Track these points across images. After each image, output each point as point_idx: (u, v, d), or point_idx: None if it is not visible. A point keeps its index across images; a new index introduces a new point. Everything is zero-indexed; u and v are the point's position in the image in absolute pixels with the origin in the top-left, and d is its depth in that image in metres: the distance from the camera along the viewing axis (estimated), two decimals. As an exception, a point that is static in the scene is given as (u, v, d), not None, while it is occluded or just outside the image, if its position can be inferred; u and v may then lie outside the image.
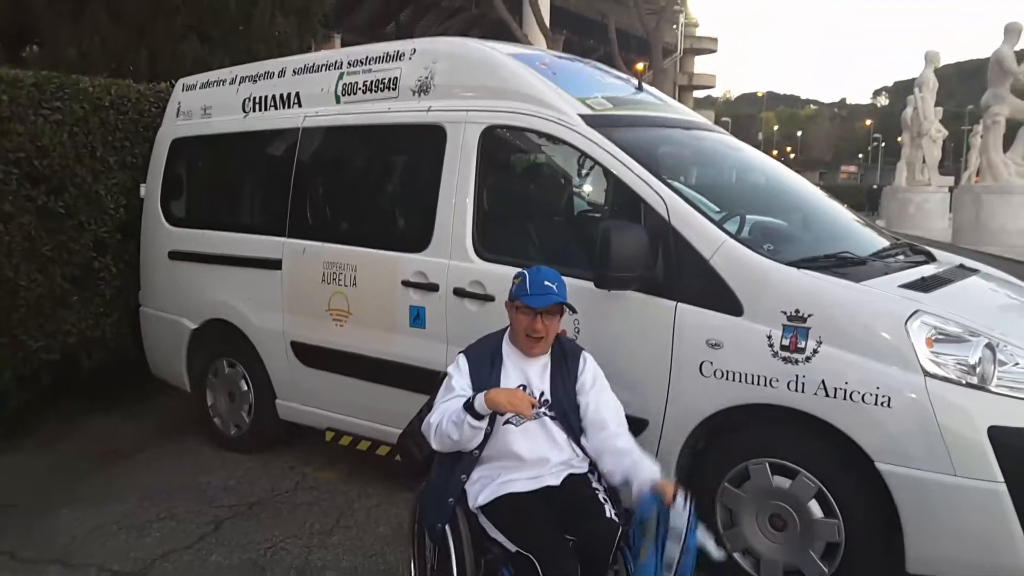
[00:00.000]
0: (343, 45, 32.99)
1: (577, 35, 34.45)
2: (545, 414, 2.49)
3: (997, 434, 2.49)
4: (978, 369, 2.58)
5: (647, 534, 2.19)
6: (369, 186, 4.14)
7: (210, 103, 4.81)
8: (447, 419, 2.37)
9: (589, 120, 3.35)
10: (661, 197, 3.05)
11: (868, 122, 79.79)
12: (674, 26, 37.78)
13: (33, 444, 4.79)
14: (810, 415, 2.73)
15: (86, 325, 5.01)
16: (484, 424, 2.33)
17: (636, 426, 3.09)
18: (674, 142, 3.74)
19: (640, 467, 2.38)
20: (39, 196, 4.61)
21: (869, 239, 3.68)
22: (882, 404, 2.61)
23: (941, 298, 2.88)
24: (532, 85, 3.51)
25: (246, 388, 4.53)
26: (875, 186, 36.91)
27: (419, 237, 3.66)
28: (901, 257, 3.45)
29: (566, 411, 2.53)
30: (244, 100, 4.60)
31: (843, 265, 3.02)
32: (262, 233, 4.35)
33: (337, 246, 3.99)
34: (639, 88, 4.02)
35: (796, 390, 2.74)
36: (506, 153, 3.54)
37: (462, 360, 2.54)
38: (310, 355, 4.14)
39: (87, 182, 4.90)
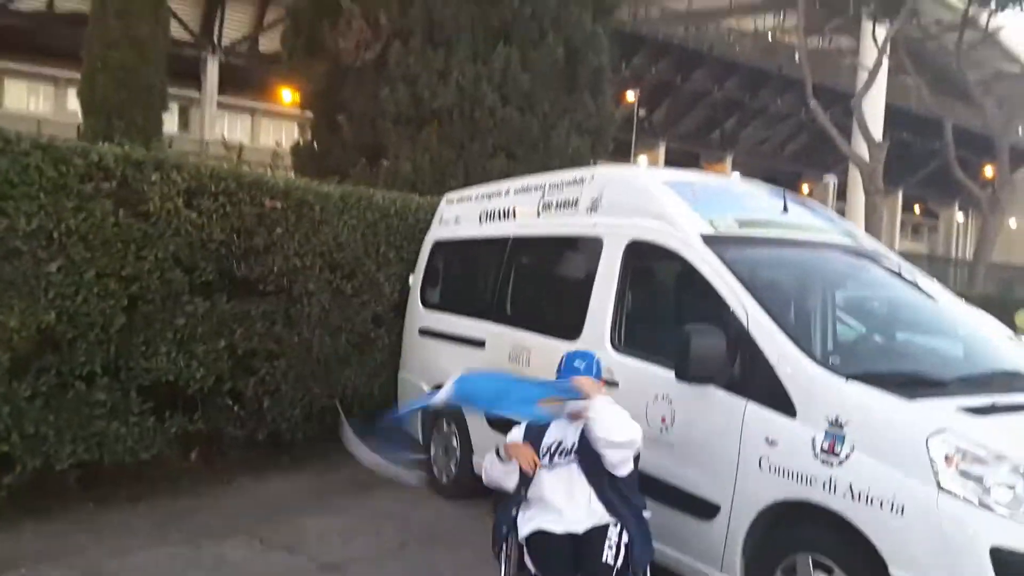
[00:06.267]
0: (667, 153, 34.30)
1: (916, 135, 32.37)
2: (574, 463, 3.16)
3: (999, 554, 2.57)
4: (993, 492, 2.66)
5: None
6: (546, 284, 5.05)
7: (460, 213, 6.10)
8: (488, 459, 3.24)
9: (707, 239, 3.91)
10: (744, 307, 3.51)
11: None
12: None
13: (313, 471, 6.24)
14: (839, 515, 2.98)
15: (360, 382, 6.47)
16: (511, 466, 3.11)
17: (710, 510, 3.53)
18: (792, 261, 4.12)
19: None
20: (335, 280, 6.19)
21: (995, 360, 3.69)
22: (897, 512, 2.80)
23: (992, 423, 2.94)
24: (666, 207, 4.17)
25: (456, 445, 5.57)
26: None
27: (573, 328, 4.43)
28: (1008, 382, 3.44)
29: (595, 460, 3.13)
30: (481, 213, 5.80)
31: (908, 383, 3.20)
32: (476, 318, 5.44)
33: (520, 331, 4.93)
34: (785, 210, 4.42)
35: (829, 491, 3.02)
36: (641, 262, 4.20)
37: (522, 426, 3.30)
38: (495, 422, 5.04)
39: (371, 271, 6.43)
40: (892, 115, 28.30)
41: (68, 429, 4.75)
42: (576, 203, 4.82)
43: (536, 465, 3.13)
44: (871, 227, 19.00)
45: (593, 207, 4.68)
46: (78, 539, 4.48)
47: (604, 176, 4.76)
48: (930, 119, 30.20)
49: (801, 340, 3.41)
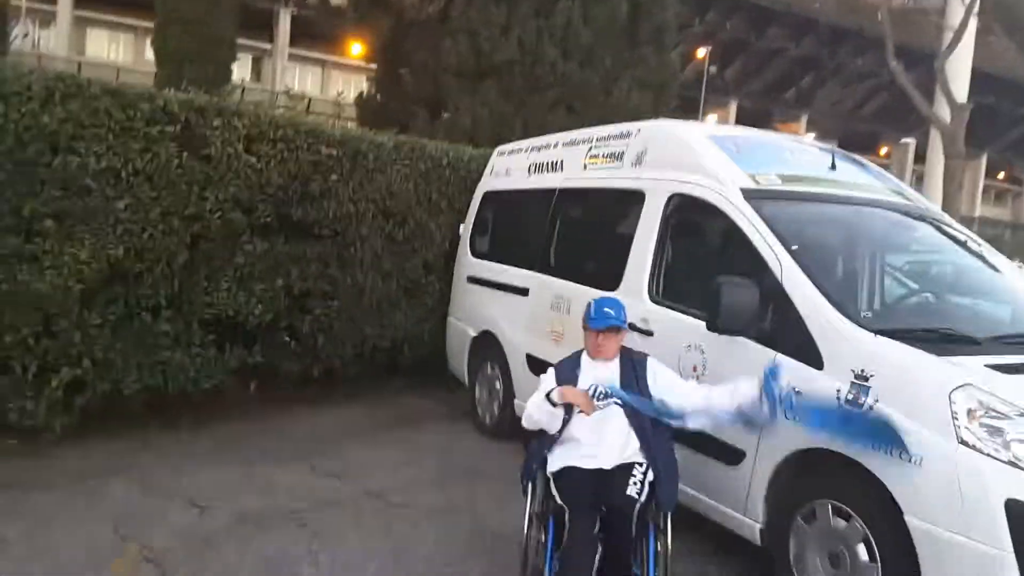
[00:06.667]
0: (739, 111, 33.46)
1: (1004, 100, 30.82)
2: (616, 403, 3.22)
3: (1014, 506, 2.60)
4: (1013, 447, 2.68)
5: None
6: (588, 235, 5.11)
7: (510, 165, 6.18)
8: (534, 404, 3.26)
9: (747, 193, 3.92)
10: (779, 261, 3.54)
11: None
12: None
13: (364, 406, 6.52)
14: (860, 463, 3.03)
15: (410, 325, 6.68)
16: (559, 411, 3.18)
17: (735, 456, 3.61)
18: (833, 217, 4.09)
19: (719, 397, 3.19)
20: (387, 226, 6.36)
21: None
22: (915, 462, 2.84)
23: (1019, 381, 2.93)
24: (707, 161, 4.17)
25: (499, 387, 5.73)
26: None
27: (613, 279, 4.50)
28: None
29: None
30: (530, 165, 5.88)
31: (939, 340, 3.19)
32: (520, 267, 5.56)
33: (562, 281, 5.03)
34: (832, 167, 4.38)
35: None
36: (681, 216, 4.23)
37: (551, 371, 3.41)
38: (535, 366, 5.17)
39: (423, 219, 6.58)
40: (979, 78, 26.82)
41: (134, 357, 5.07)
42: (621, 156, 4.86)
43: (593, 408, 3.18)
44: (949, 191, 18.26)
45: (638, 161, 4.70)
46: (142, 457, 4.84)
47: (649, 130, 4.77)
48: (1020, 83, 28.66)
49: (833, 295, 3.41)
